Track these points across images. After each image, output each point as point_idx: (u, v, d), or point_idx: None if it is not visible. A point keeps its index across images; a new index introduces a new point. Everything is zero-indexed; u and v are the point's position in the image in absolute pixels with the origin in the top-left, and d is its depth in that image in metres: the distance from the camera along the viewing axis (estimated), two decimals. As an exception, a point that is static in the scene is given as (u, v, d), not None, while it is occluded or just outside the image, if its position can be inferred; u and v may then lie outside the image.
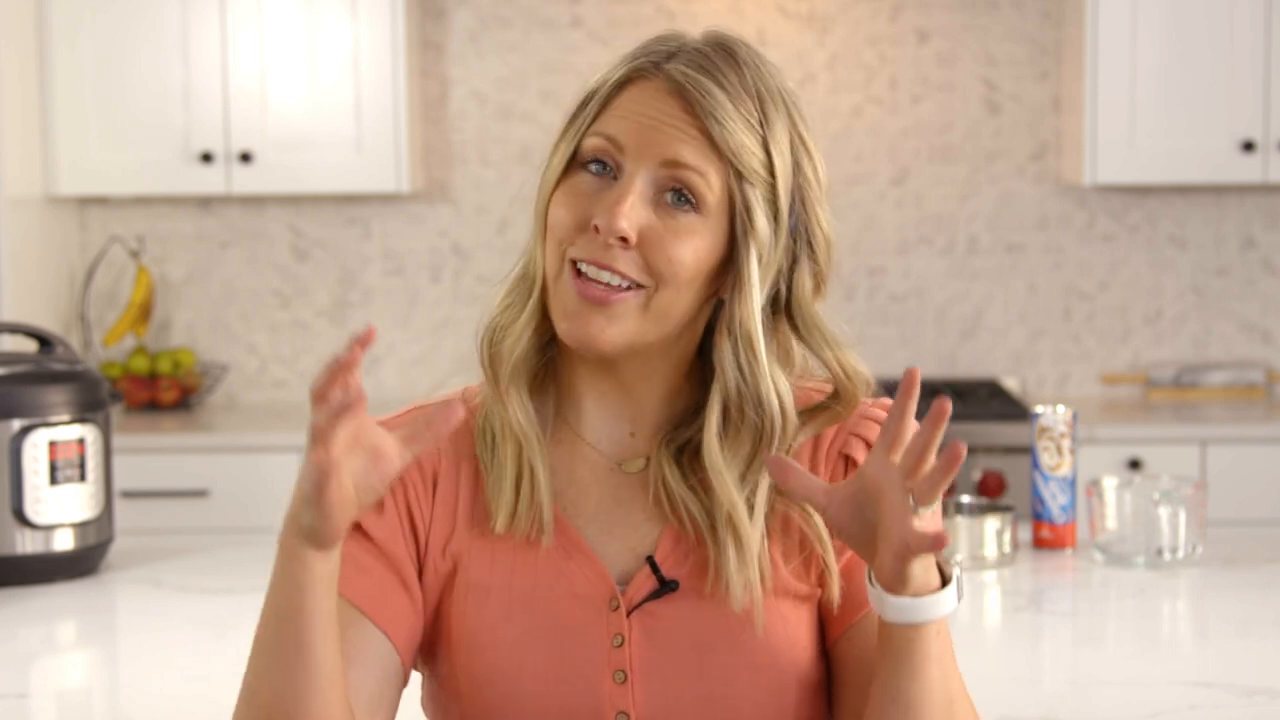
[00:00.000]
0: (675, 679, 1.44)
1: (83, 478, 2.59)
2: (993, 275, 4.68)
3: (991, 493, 4.02)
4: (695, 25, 4.80)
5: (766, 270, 1.44)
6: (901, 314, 4.67)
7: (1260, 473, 4.14)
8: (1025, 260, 4.68)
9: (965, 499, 2.73)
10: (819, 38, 4.62)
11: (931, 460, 1.31)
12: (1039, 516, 2.71)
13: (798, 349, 1.49)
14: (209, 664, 2.18)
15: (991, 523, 2.61)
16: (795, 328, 1.47)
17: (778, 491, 1.46)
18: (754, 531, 1.43)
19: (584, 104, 1.45)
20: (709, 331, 1.49)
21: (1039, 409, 2.73)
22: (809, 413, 1.48)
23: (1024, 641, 2.33)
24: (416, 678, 1.54)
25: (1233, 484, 4.08)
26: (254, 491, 4.07)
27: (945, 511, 2.66)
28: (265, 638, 1.34)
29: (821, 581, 1.48)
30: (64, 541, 2.58)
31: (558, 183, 1.44)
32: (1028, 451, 3.57)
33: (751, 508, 1.44)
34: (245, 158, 4.28)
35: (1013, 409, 4.22)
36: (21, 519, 2.55)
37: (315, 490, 1.25)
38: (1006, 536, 2.63)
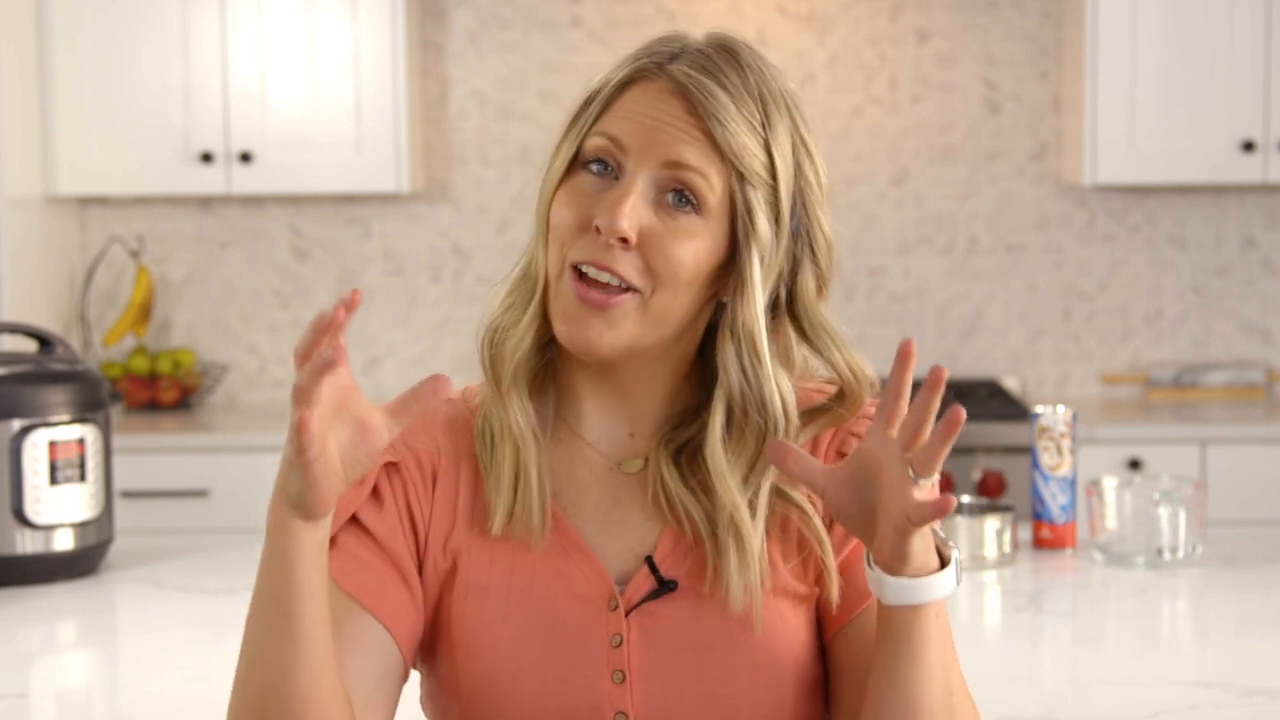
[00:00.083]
0: (674, 679, 1.45)
1: (83, 478, 2.59)
2: (993, 275, 4.68)
3: (991, 493, 4.02)
4: (695, 25, 4.80)
5: (768, 272, 1.44)
6: (901, 314, 4.67)
7: (1260, 473, 4.14)
8: (1025, 260, 4.68)
9: (965, 499, 2.73)
10: (819, 38, 4.62)
11: (929, 430, 1.30)
12: (1039, 516, 2.71)
13: (797, 350, 1.49)
14: (209, 664, 2.18)
15: (991, 523, 2.61)
16: (801, 330, 1.47)
17: (778, 494, 1.46)
18: (755, 534, 1.43)
19: (586, 104, 1.45)
20: (708, 332, 1.49)
21: (1039, 409, 2.73)
22: (810, 414, 1.48)
23: (1024, 641, 2.33)
24: (415, 676, 1.54)
25: (1233, 484, 4.08)
26: (254, 491, 4.06)
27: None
28: (255, 614, 1.34)
29: (820, 581, 1.48)
30: (64, 541, 2.58)
31: (559, 183, 1.44)
32: (1028, 451, 3.57)
33: (753, 510, 1.44)
34: (245, 158, 4.28)
35: (1013, 409, 4.22)
36: (21, 519, 2.55)
37: (298, 451, 1.25)
38: (1006, 536, 2.63)
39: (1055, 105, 4.63)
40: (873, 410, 1.50)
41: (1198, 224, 4.65)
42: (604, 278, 1.40)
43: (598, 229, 1.40)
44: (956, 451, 4.04)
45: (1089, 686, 2.08)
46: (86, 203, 4.60)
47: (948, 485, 3.90)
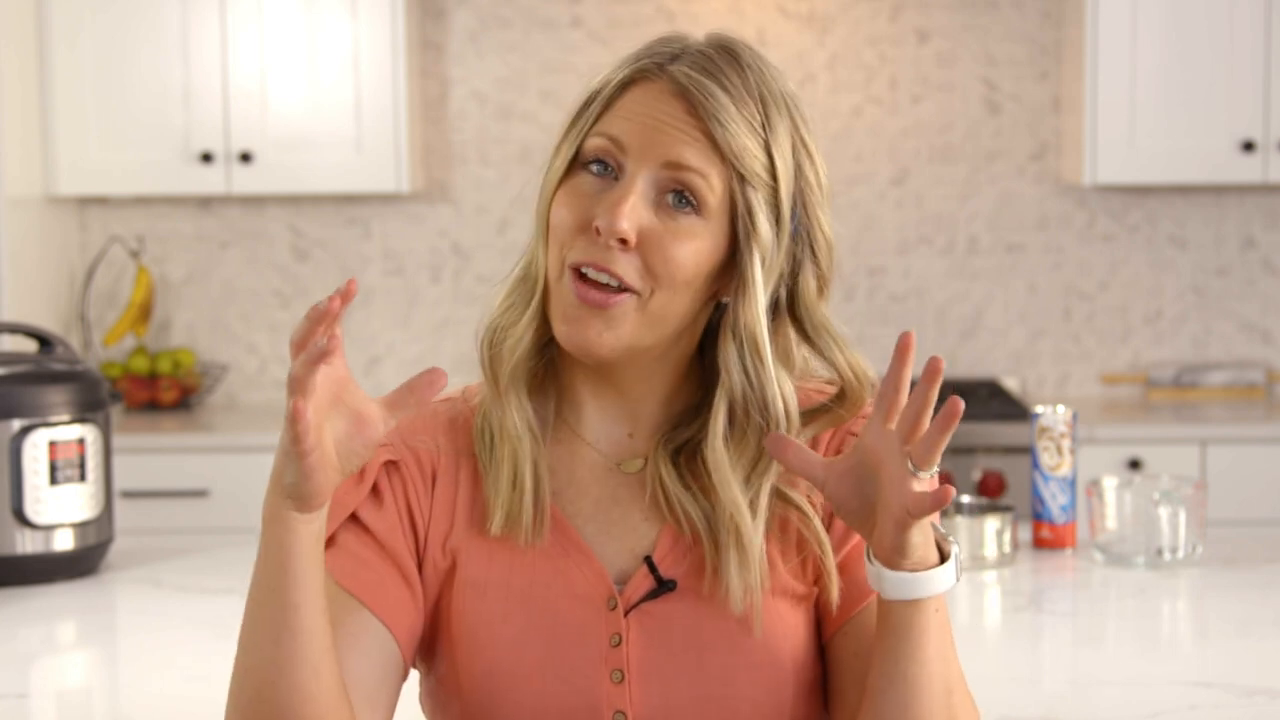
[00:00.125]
0: (673, 678, 1.45)
1: (83, 478, 2.59)
2: (993, 275, 4.68)
3: (991, 493, 4.02)
4: (695, 25, 4.80)
5: (769, 273, 1.44)
6: (901, 314, 4.67)
7: (1260, 473, 4.14)
8: (1025, 260, 4.68)
9: (965, 499, 2.73)
10: (819, 38, 4.62)
11: (928, 421, 1.31)
12: (1039, 516, 2.71)
13: (798, 350, 1.49)
14: (209, 664, 2.18)
15: (991, 523, 2.61)
16: (802, 330, 1.48)
17: (778, 495, 1.46)
18: (756, 535, 1.43)
19: (587, 104, 1.45)
20: (708, 333, 1.49)
21: (1039, 409, 2.73)
22: (810, 414, 1.48)
23: (1024, 641, 2.33)
24: (414, 675, 1.54)
25: (1233, 484, 4.08)
26: (254, 491, 4.05)
27: (944, 512, 2.66)
28: (252, 606, 1.34)
29: (819, 581, 1.48)
30: (64, 541, 2.58)
31: (559, 183, 1.45)
32: (1028, 451, 3.57)
33: (754, 511, 1.44)
34: (245, 158, 4.28)
35: (1013, 409, 4.22)
36: (21, 519, 2.55)
37: (294, 441, 1.25)
38: (1006, 536, 2.63)
39: (1055, 105, 4.63)
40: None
41: (1198, 224, 4.65)
42: (603, 279, 1.40)
43: (597, 230, 1.40)
44: (956, 451, 4.04)
45: (1089, 686, 2.08)
46: (86, 203, 4.60)
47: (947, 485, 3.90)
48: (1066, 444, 2.71)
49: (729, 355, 1.44)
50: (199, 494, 4.12)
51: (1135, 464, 4.13)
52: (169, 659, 2.23)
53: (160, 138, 4.29)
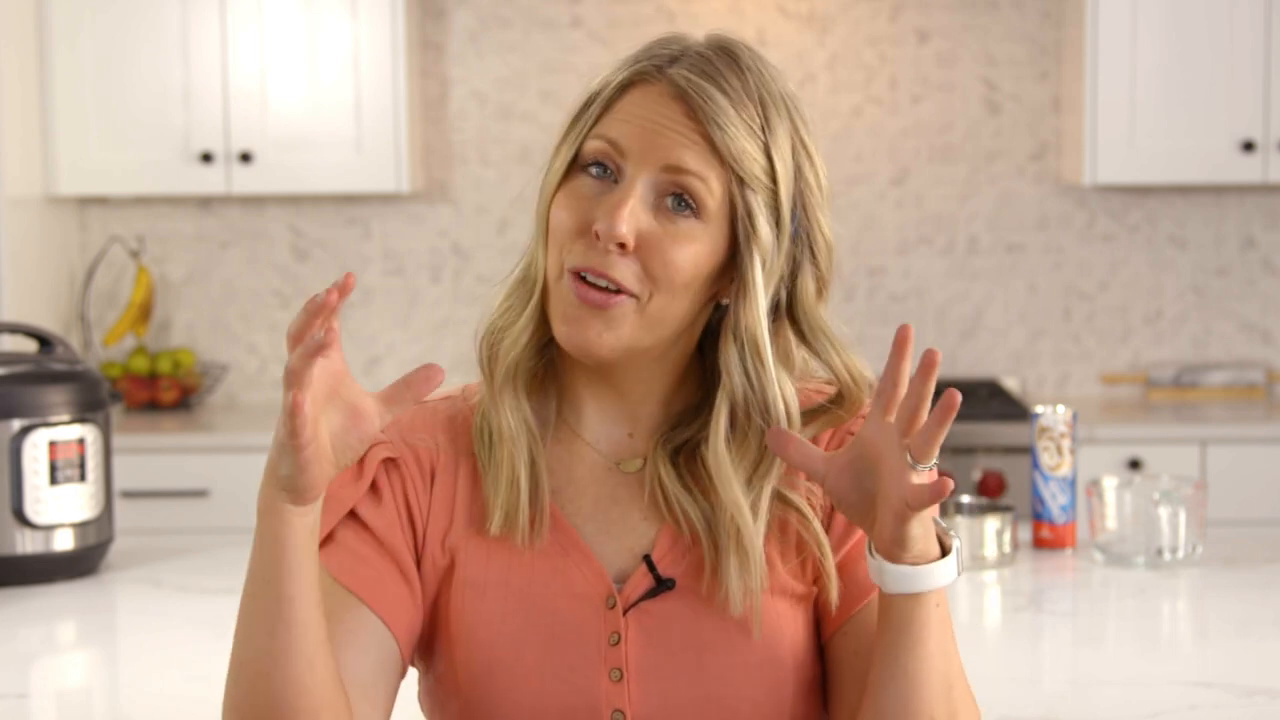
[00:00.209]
0: (672, 677, 1.45)
1: (83, 478, 2.59)
2: (993, 275, 4.68)
3: (991, 493, 4.02)
4: (695, 25, 4.79)
5: (770, 276, 1.44)
6: (901, 314, 4.67)
7: (1260, 473, 4.14)
8: (1025, 260, 4.68)
9: (965, 499, 2.73)
10: (819, 38, 4.62)
11: (925, 414, 1.32)
12: (1039, 516, 2.71)
13: (798, 351, 1.49)
14: (209, 664, 2.17)
15: (991, 523, 2.61)
16: (800, 332, 1.48)
17: (778, 497, 1.46)
18: (757, 537, 1.44)
19: (586, 106, 1.45)
20: (707, 333, 1.49)
21: (1039, 409, 2.73)
22: (810, 414, 1.48)
23: (1024, 641, 2.33)
24: (413, 673, 1.54)
25: (1233, 484, 4.08)
26: (254, 491, 4.00)
27: (945, 511, 2.66)
28: (247, 600, 1.34)
29: (818, 582, 1.48)
30: (64, 541, 2.58)
31: (559, 185, 1.45)
32: (1028, 451, 3.57)
33: (755, 513, 1.44)
34: (245, 158, 4.28)
35: (1013, 409, 4.22)
36: (21, 519, 2.55)
37: (291, 434, 1.25)
38: (1006, 536, 2.63)
39: (1055, 105, 4.63)
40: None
41: (1198, 224, 4.65)
42: (601, 284, 1.40)
43: (596, 234, 1.40)
44: (956, 451, 4.05)
45: (1089, 686, 2.08)
46: (86, 203, 4.60)
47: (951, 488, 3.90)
48: (1066, 444, 2.71)
49: (730, 358, 1.44)
50: (199, 494, 4.12)
51: (1135, 464, 4.13)
52: (169, 659, 2.23)
53: (160, 138, 4.29)
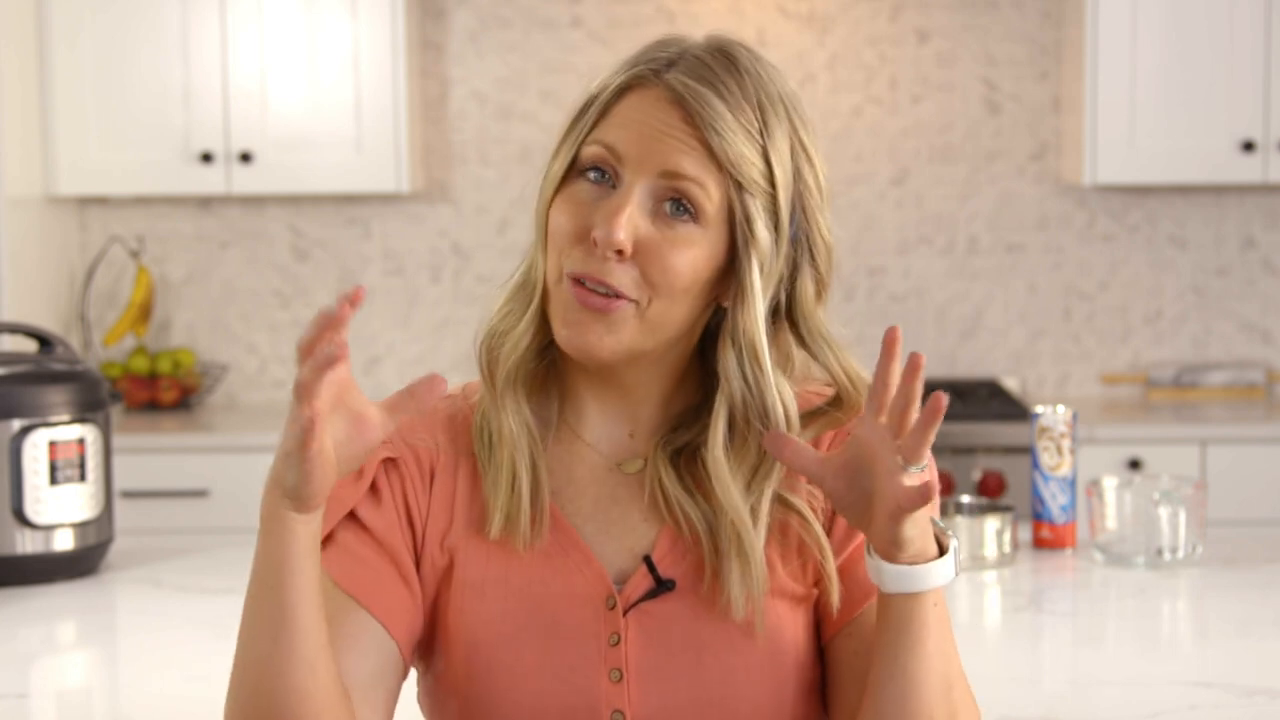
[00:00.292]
0: (672, 678, 1.45)
1: (83, 478, 2.59)
2: (993, 275, 4.68)
3: (991, 493, 4.02)
4: (695, 25, 4.78)
5: (768, 280, 1.44)
6: (901, 314, 4.67)
7: (1260, 473, 4.14)
8: (1025, 260, 4.68)
9: (965, 499, 2.73)
10: (819, 38, 4.62)
11: (914, 416, 1.32)
12: (1039, 516, 2.71)
13: (797, 353, 1.49)
14: (209, 664, 2.18)
15: (991, 523, 2.61)
16: (799, 335, 1.48)
17: (779, 500, 1.46)
18: (758, 542, 1.44)
19: (583, 110, 1.45)
20: (707, 334, 1.49)
21: (1039, 409, 2.73)
22: (809, 416, 1.48)
23: (1024, 641, 2.33)
24: (413, 673, 1.54)
25: (1233, 484, 4.08)
26: (254, 491, 4.03)
27: (945, 511, 2.67)
28: (250, 606, 1.34)
29: (819, 584, 1.48)
30: (64, 541, 2.58)
31: (557, 189, 1.45)
32: (1028, 451, 3.57)
33: (755, 517, 1.44)
34: (245, 158, 4.28)
35: (1013, 409, 4.22)
36: (21, 519, 2.55)
37: (298, 446, 1.26)
38: (1006, 536, 2.63)
39: (1055, 105, 4.63)
40: None
41: (1198, 224, 4.65)
42: (601, 290, 1.40)
43: (595, 240, 1.40)
44: (956, 451, 4.04)
45: (1089, 686, 2.08)
46: (86, 203, 4.60)
47: (948, 485, 3.90)
48: (1066, 444, 2.71)
49: (728, 362, 1.44)
50: (199, 494, 4.12)
51: (1135, 464, 4.13)
52: (169, 659, 2.23)
53: (160, 138, 4.29)
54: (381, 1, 4.29)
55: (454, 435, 1.50)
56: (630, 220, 1.40)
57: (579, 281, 1.41)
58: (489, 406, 1.48)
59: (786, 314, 1.47)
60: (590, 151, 1.43)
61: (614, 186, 1.42)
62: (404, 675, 1.47)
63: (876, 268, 4.68)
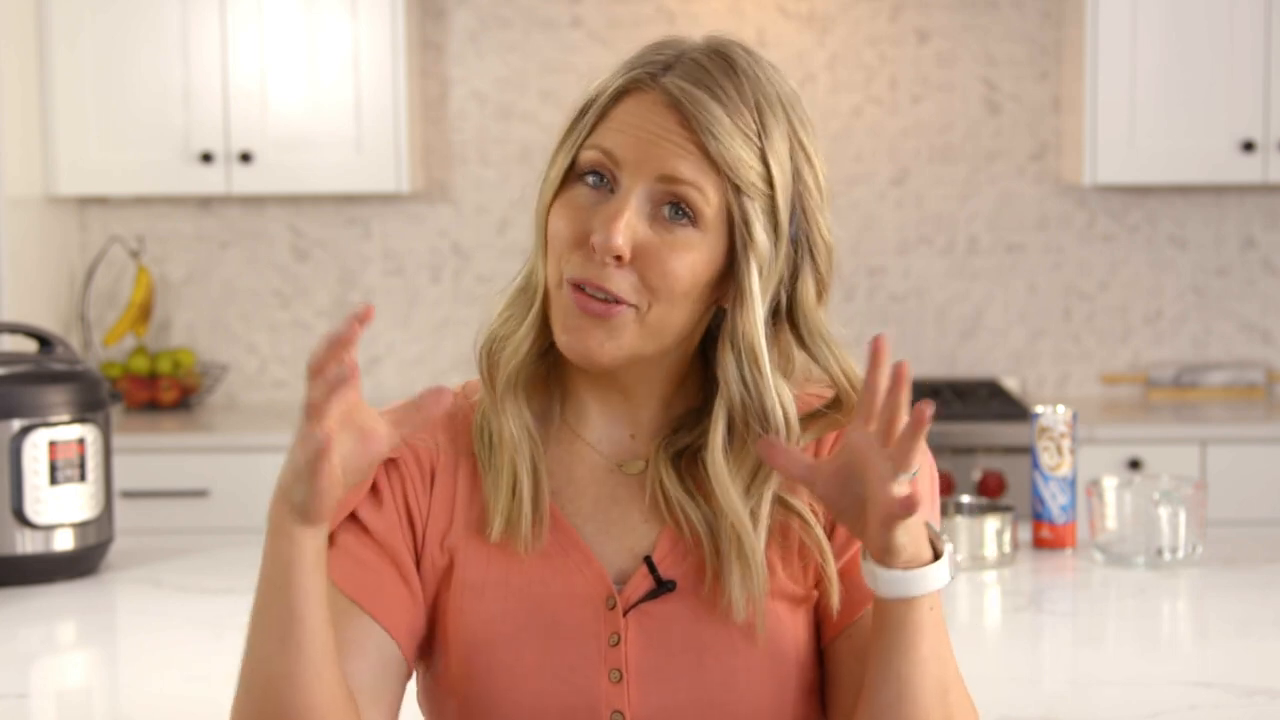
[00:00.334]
0: (672, 679, 1.45)
1: (83, 478, 2.59)
2: (993, 275, 4.68)
3: (991, 493, 4.02)
4: (695, 25, 4.77)
5: (767, 282, 1.43)
6: (901, 314, 4.67)
7: (1260, 473, 4.14)
8: (1025, 260, 4.68)
9: (965, 499, 2.73)
10: (819, 38, 4.62)
11: (901, 425, 1.32)
12: (1039, 516, 2.71)
13: (798, 355, 1.49)
14: (209, 664, 2.18)
15: (991, 523, 2.61)
16: (799, 336, 1.47)
17: (779, 502, 1.46)
18: (758, 544, 1.44)
19: (581, 114, 1.45)
20: (709, 335, 1.49)
21: (1039, 409, 2.73)
22: (809, 418, 1.48)
23: (1024, 641, 2.33)
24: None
25: (1233, 484, 4.08)
26: (254, 491, 4.06)
27: (945, 511, 2.66)
28: (257, 617, 1.35)
29: (819, 586, 1.48)
30: (64, 541, 2.58)
31: (556, 194, 1.44)
32: (1028, 451, 3.57)
33: (756, 520, 1.44)
34: (245, 158, 4.28)
35: (1013, 409, 4.22)
36: (21, 519, 2.55)
37: (309, 466, 1.26)
38: (1006, 536, 2.63)
39: (1055, 105, 4.63)
40: None
41: (1198, 224, 4.65)
42: (600, 295, 1.40)
43: (593, 246, 1.40)
44: (956, 451, 4.04)
45: (1089, 686, 2.08)
46: (86, 203, 4.60)
47: (948, 485, 3.90)
48: (1066, 444, 2.71)
49: (727, 365, 1.44)
50: (199, 494, 4.12)
51: (1135, 464, 4.13)
52: (169, 659, 2.23)
53: (160, 138, 4.29)
54: (381, 1, 4.29)
55: (454, 435, 1.50)
56: (628, 225, 1.40)
57: (579, 287, 1.41)
58: (489, 410, 1.48)
59: (788, 315, 1.47)
60: (588, 156, 1.43)
61: (612, 191, 1.42)
62: (408, 676, 1.47)
63: (876, 268, 4.68)
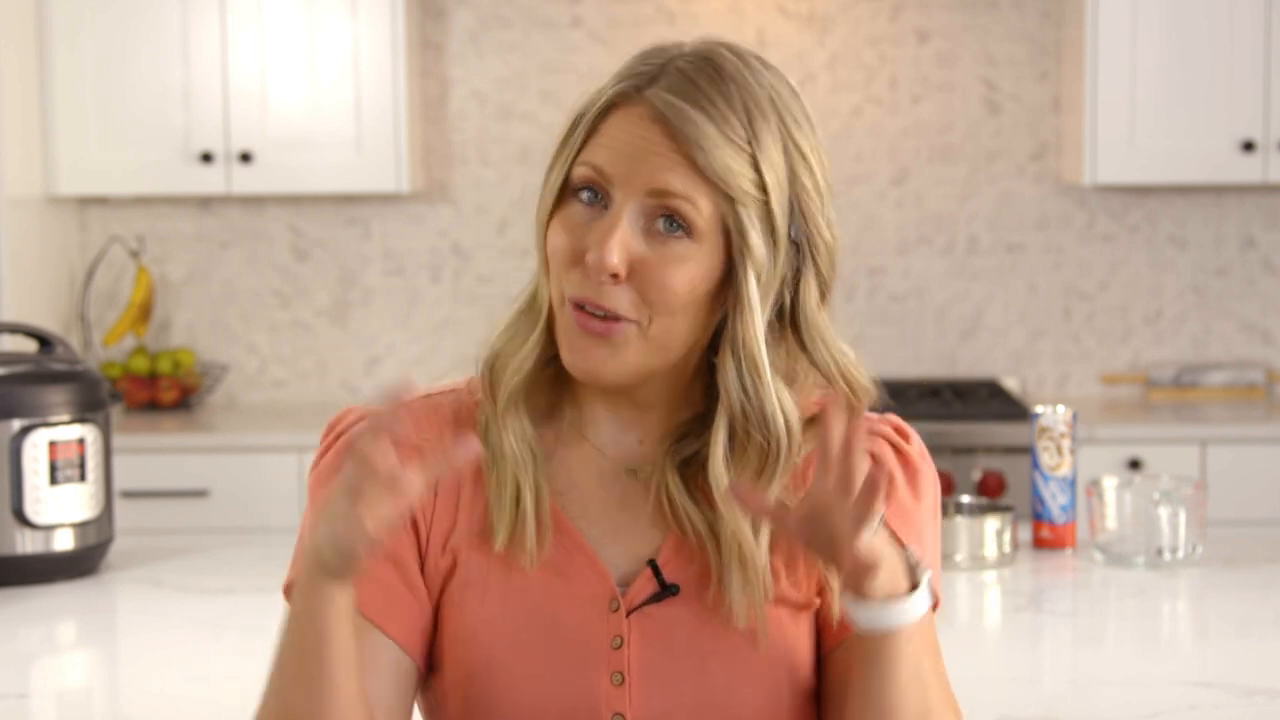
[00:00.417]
0: (674, 682, 1.45)
1: (83, 478, 2.59)
2: (993, 275, 4.68)
3: (991, 493, 4.02)
4: (695, 25, 4.76)
5: (767, 289, 1.42)
6: (901, 314, 4.67)
7: (1260, 473, 4.14)
8: (1025, 260, 4.68)
9: (965, 499, 2.73)
10: (819, 38, 4.62)
11: (859, 483, 1.30)
12: (1039, 516, 2.71)
13: (800, 359, 1.48)
14: (209, 664, 2.18)
15: (991, 523, 2.61)
16: (801, 340, 1.46)
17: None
18: (760, 552, 1.43)
19: (572, 129, 1.44)
20: (716, 339, 1.48)
21: (1039, 409, 2.73)
22: (811, 424, 1.47)
23: (1024, 641, 2.33)
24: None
25: (1233, 484, 4.08)
26: (254, 491, 4.07)
27: (945, 511, 2.66)
28: (283, 664, 1.36)
29: (821, 593, 1.48)
30: (64, 541, 2.58)
31: (553, 210, 1.44)
32: (1028, 451, 3.57)
33: (756, 528, 1.44)
34: (245, 158, 4.28)
35: (1013, 409, 4.22)
36: (21, 519, 2.55)
37: (353, 549, 1.29)
38: (1006, 536, 2.63)
39: (1055, 105, 4.63)
40: (881, 426, 1.51)
41: (1198, 224, 4.65)
42: (600, 313, 1.40)
43: (589, 265, 1.39)
44: (956, 451, 4.04)
45: (1089, 686, 2.08)
46: (86, 203, 4.60)
47: (948, 485, 3.90)
48: (1066, 444, 2.71)
49: (728, 373, 1.43)
50: (199, 494, 4.12)
51: (1135, 464, 4.13)
52: (169, 659, 2.23)
53: (160, 138, 4.29)
54: (381, 1, 4.29)
55: (459, 433, 1.49)
56: (621, 243, 1.39)
57: (580, 306, 1.41)
58: (491, 423, 1.47)
59: (790, 318, 1.46)
60: (580, 173, 1.42)
61: (606, 207, 1.41)
62: (420, 680, 1.48)
63: (876, 268, 4.68)
